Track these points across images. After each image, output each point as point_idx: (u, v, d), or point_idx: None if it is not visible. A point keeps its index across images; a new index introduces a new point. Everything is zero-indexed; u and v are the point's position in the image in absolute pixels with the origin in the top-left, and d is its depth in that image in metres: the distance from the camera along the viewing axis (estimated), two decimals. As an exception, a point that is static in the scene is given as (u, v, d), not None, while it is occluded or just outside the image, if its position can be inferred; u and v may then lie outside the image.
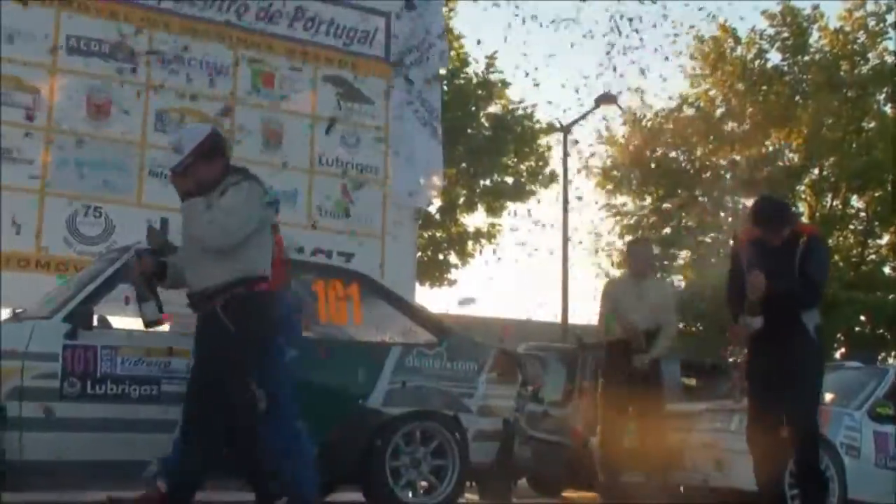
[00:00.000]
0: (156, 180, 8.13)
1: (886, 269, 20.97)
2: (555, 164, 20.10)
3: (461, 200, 19.16)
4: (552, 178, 19.87)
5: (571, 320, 19.16)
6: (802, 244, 5.60)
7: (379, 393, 6.72)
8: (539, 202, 22.76)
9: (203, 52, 8.67)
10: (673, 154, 21.74)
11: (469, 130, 18.29)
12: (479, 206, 19.35)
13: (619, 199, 22.33)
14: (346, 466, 6.54)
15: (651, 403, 7.57)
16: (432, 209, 17.44)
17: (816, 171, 21.23)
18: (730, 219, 19.93)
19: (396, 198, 9.38)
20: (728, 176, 20.99)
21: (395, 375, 6.79)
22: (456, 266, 19.29)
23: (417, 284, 15.51)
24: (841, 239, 21.00)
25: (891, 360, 19.69)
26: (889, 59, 20.34)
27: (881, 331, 20.04)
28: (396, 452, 6.70)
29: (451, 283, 19.19)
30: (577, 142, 21.52)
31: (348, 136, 9.23)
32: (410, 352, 6.91)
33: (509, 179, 19.62)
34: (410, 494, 6.71)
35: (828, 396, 8.36)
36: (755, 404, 5.83)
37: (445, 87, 15.82)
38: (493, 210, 19.49)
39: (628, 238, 20.83)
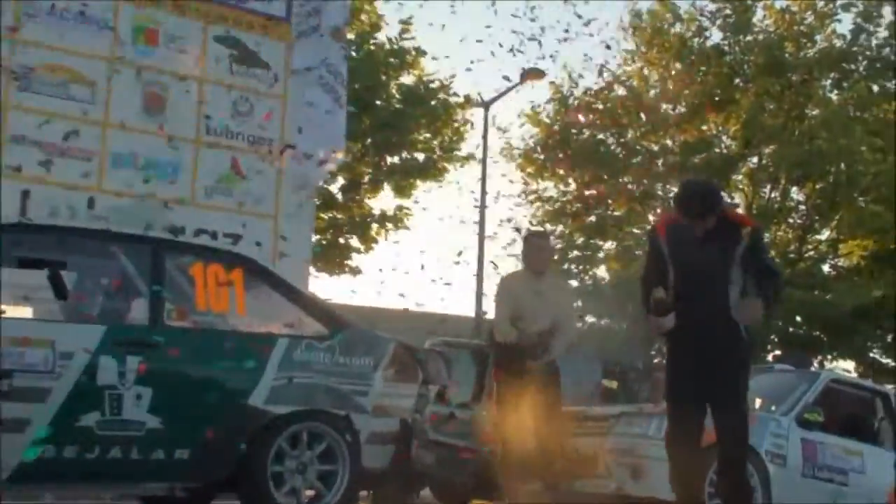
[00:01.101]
0: (18, 147, 7.76)
1: (825, 267, 21.46)
2: (475, 144, 20.84)
3: (366, 179, 19.19)
4: (469, 157, 20.12)
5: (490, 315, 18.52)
6: (746, 236, 5.60)
7: (262, 389, 6.54)
8: (459, 187, 24.27)
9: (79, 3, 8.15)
10: (601, 136, 21.74)
11: (378, 102, 18.35)
12: (385, 185, 19.33)
13: (541, 184, 22.42)
14: (223, 471, 6.39)
15: (549, 408, 7.59)
16: (333, 188, 18.05)
17: (755, 159, 21.46)
18: (659, 209, 20.47)
19: (293, 173, 9.01)
20: (660, 162, 21.28)
21: (280, 370, 6.62)
22: (358, 251, 19.27)
23: (314, 271, 16.58)
24: (779, 233, 21.29)
25: (827, 364, 20.10)
26: (837, 42, 20.69)
27: (817, 332, 20.31)
28: (280, 456, 6.57)
29: (354, 270, 19.33)
30: (500, 129, 22.11)
31: (240, 103, 8.81)
32: (299, 344, 6.75)
33: (420, 156, 19.71)
34: (295, 502, 6.58)
35: (755, 401, 8.63)
36: (675, 407, 5.84)
37: (354, 54, 16.12)
38: (402, 190, 19.46)
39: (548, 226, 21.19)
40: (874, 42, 20.67)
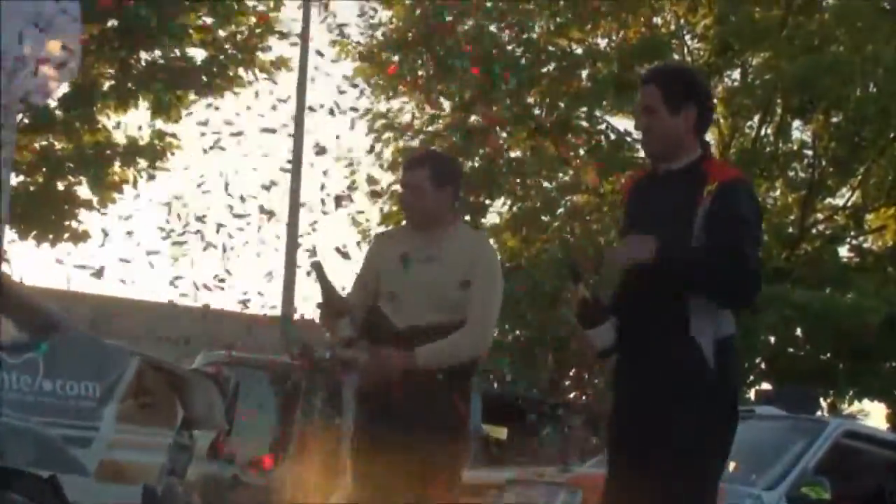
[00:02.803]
0: None
1: (842, 251, 19.50)
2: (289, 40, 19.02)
3: (105, 87, 17.85)
4: (278, 62, 18.55)
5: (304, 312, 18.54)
6: (708, 195, 4.72)
7: None
8: (256, 110, 19.37)
9: None
10: (492, 28, 19.54)
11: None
12: (138, 99, 17.83)
13: (396, 104, 20.63)
14: None
15: (429, 468, 5.84)
16: (52, 102, 16.22)
17: (736, 74, 20.08)
18: (582, 149, 19.67)
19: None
20: (584, 75, 19.64)
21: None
22: (90, 205, 17.87)
23: (10, 234, 16.37)
24: (771, 195, 20.02)
25: (841, 406, 18.57)
26: None
27: (826, 354, 18.41)
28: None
29: (80, 237, 17.90)
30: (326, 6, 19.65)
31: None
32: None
33: (197, 53, 18.25)
34: None
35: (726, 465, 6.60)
36: (609, 473, 5.12)
37: None
38: (164, 108, 17.79)
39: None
40: None
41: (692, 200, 4.74)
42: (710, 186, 4.79)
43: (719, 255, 4.71)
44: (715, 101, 18.90)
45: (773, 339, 18.12)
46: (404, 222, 6.65)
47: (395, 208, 19.16)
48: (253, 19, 18.45)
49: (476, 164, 19.64)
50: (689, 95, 4.74)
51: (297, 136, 19.03)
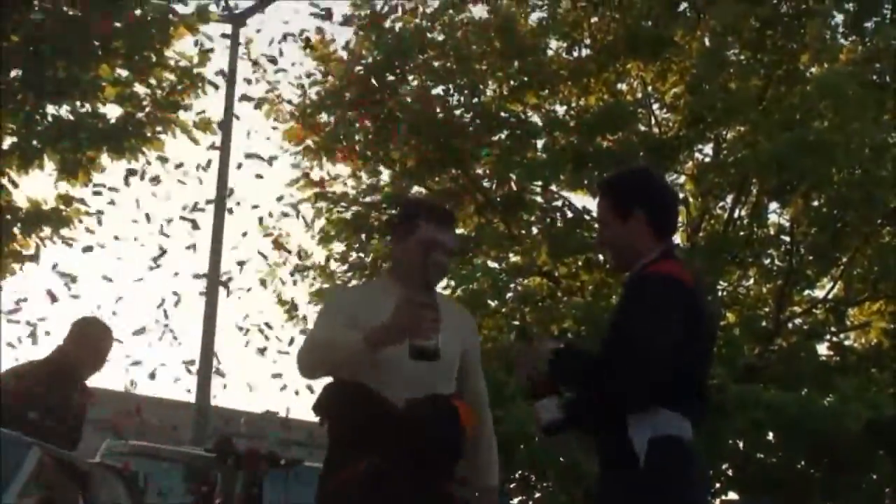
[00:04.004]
0: None
1: (822, 348, 18.25)
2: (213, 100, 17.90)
3: (6, 144, 16.45)
4: (203, 123, 17.16)
5: (221, 400, 17.60)
6: (620, 296, 5.07)
7: None
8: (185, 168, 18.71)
9: None
10: (439, 91, 18.69)
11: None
12: (44, 160, 16.34)
13: (331, 169, 19.57)
14: None
15: None
16: None
17: (708, 148, 19.03)
18: (535, 227, 19.09)
19: None
20: (539, 144, 18.64)
21: None
22: None
23: None
24: (744, 284, 19.23)
25: None
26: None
27: (801, 463, 17.25)
28: None
29: None
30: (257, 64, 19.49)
31: None
32: None
33: (111, 111, 16.71)
34: None
35: None
36: None
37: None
38: (72, 170, 16.48)
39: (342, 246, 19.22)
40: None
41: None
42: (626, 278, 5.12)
43: (603, 363, 4.72)
44: (683, 178, 18.90)
45: (738, 444, 16.97)
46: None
47: (325, 286, 18.66)
48: (173, 76, 17.41)
49: (417, 242, 18.46)
50: (634, 198, 4.80)
51: (218, 209, 18.44)
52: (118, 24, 16.55)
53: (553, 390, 4.80)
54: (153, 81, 16.91)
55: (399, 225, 5.50)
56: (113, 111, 16.76)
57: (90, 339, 7.95)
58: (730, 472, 17.28)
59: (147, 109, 16.84)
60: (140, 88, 16.91)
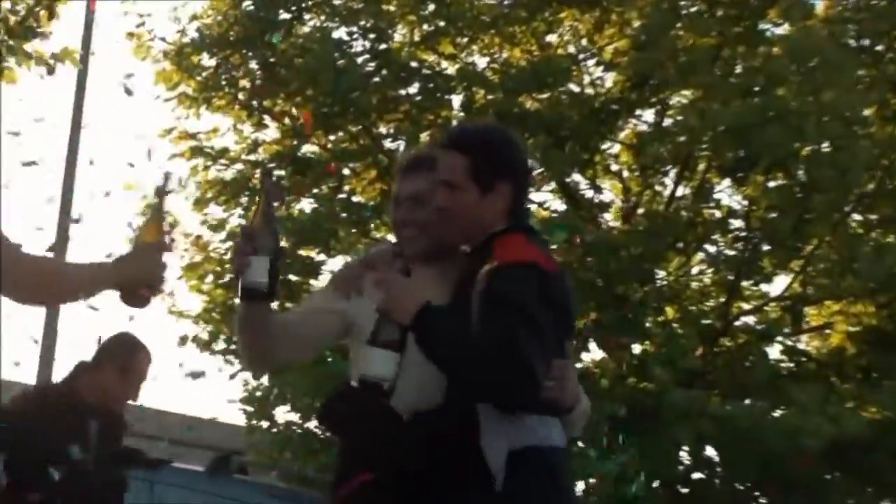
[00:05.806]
0: None
1: (773, 352, 16.73)
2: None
3: None
4: (66, 53, 16.14)
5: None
6: (483, 278, 4.40)
7: None
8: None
9: None
10: (337, 34, 17.41)
11: None
12: None
13: (208, 120, 18.35)
14: None
15: None
16: None
17: (649, 114, 17.71)
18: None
19: None
20: (455, 100, 17.43)
21: None
22: None
23: None
24: (686, 277, 17.49)
25: None
26: None
27: (747, 484, 16.43)
28: None
29: None
30: None
31: None
32: None
33: None
34: None
35: None
36: None
37: None
38: None
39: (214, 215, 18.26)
40: None
41: (470, 285, 4.55)
42: (490, 266, 4.57)
43: (489, 341, 4.34)
44: (618, 147, 17.75)
45: (679, 465, 15.98)
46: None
47: (197, 258, 17.08)
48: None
49: (309, 209, 17.44)
50: (506, 168, 4.42)
51: (69, 159, 17.57)
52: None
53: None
54: (7, 5, 15.82)
55: None
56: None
57: None
58: (660, 491, 16.02)
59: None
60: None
